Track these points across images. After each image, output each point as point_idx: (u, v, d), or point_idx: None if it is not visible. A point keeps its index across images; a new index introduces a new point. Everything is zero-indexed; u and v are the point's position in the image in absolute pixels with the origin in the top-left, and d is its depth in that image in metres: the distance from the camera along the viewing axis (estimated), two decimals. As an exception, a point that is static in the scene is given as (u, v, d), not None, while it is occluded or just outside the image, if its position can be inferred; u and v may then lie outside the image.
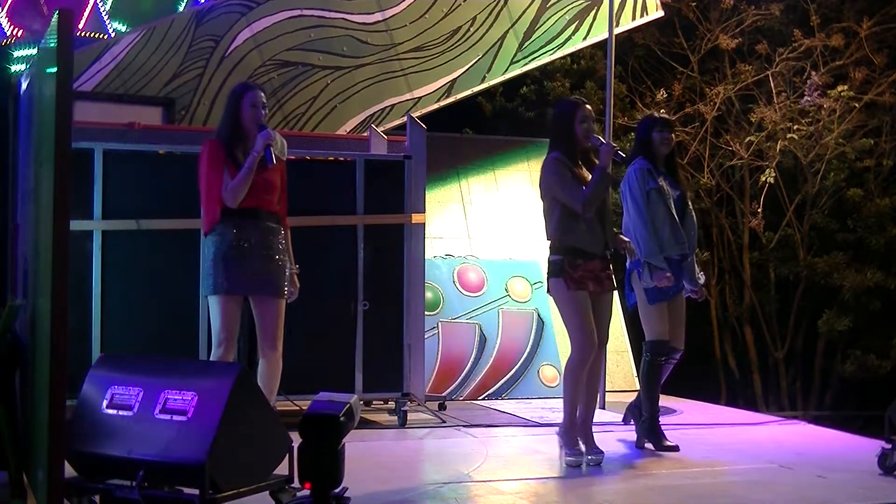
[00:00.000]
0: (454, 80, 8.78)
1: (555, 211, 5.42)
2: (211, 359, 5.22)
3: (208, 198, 5.16)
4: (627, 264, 5.93)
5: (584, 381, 5.46)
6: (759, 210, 10.54)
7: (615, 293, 5.63)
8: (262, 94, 5.24)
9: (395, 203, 6.68)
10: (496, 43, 8.93)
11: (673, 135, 6.11)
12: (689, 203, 6.16)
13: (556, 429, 5.58)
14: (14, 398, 4.62)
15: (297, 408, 5.81)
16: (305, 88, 8.28)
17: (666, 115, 6.54)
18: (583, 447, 5.48)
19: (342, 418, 4.03)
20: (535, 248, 8.94)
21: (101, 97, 7.70)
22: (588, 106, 5.47)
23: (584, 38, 9.26)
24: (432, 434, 6.47)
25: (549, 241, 5.49)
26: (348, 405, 4.07)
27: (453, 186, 9.09)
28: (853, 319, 10.38)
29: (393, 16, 8.61)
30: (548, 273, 5.46)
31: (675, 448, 5.85)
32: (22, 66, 8.18)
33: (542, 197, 5.50)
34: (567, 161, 5.40)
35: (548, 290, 5.51)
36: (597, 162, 5.42)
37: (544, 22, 9.08)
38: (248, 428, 3.98)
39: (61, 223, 3.80)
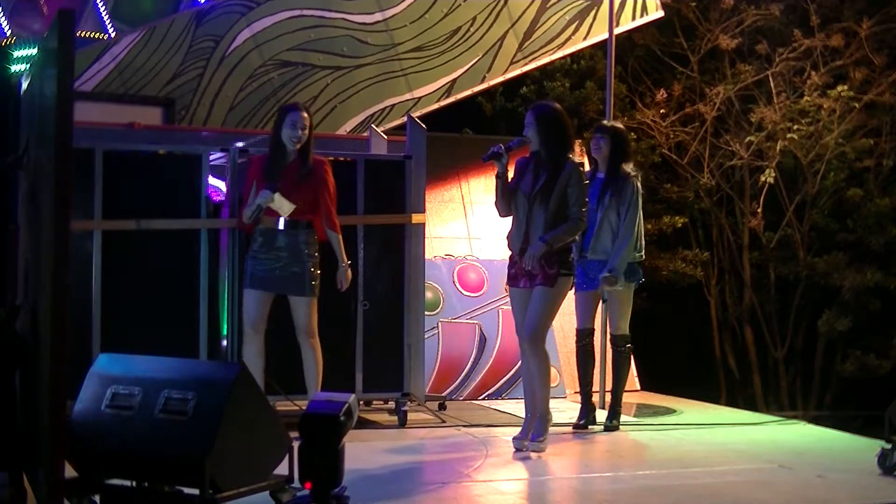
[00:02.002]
0: (454, 80, 8.78)
1: None
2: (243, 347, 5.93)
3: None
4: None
5: (529, 369, 5.80)
6: (759, 210, 10.54)
7: (544, 288, 5.68)
8: (304, 115, 5.84)
9: (395, 203, 6.67)
10: (496, 43, 8.93)
11: (604, 140, 6.46)
12: (612, 208, 6.41)
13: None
14: (14, 398, 4.62)
15: (297, 408, 5.81)
16: (305, 88, 8.28)
17: (607, 122, 6.82)
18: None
19: (342, 417, 4.04)
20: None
21: (101, 97, 7.70)
22: (530, 111, 5.80)
23: (584, 38, 9.26)
24: (432, 434, 6.47)
25: None
26: (347, 404, 4.08)
27: (453, 186, 9.09)
28: (853, 319, 10.38)
29: (393, 16, 8.61)
30: None
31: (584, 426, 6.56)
32: (22, 66, 8.18)
33: None
34: (518, 166, 5.84)
35: None
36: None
37: (544, 22, 9.08)
38: (248, 428, 3.98)
39: (61, 223, 3.80)
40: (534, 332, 5.68)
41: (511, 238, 5.83)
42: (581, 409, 6.61)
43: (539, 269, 5.63)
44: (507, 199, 5.77)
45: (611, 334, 6.69)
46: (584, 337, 6.67)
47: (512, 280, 5.84)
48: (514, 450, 5.86)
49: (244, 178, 6.09)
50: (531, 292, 5.70)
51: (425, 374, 6.87)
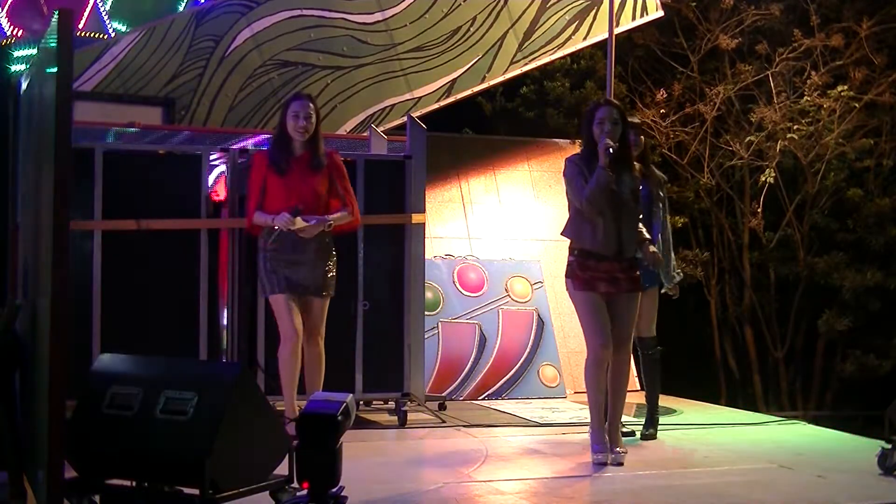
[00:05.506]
0: (454, 80, 8.78)
1: (570, 212, 5.59)
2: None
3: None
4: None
5: (603, 379, 5.48)
6: (759, 210, 10.53)
7: (636, 294, 5.54)
8: (310, 105, 5.72)
9: (395, 203, 6.68)
10: (496, 43, 8.93)
11: (636, 137, 6.11)
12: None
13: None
14: (14, 398, 4.62)
15: (297, 408, 5.81)
16: (305, 88, 8.25)
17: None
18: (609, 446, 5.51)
19: (339, 417, 4.03)
20: (535, 249, 8.94)
21: (101, 97, 7.70)
22: (610, 107, 5.50)
23: (584, 38, 9.26)
24: (432, 434, 6.47)
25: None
26: (345, 404, 4.07)
27: (453, 186, 9.09)
28: (853, 319, 10.38)
29: (393, 16, 8.61)
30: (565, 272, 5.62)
31: None
32: (22, 66, 8.19)
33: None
34: (581, 162, 5.50)
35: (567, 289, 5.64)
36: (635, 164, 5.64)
37: (544, 22, 9.08)
38: (248, 428, 3.98)
39: (61, 223, 3.80)
40: (631, 338, 5.60)
41: (595, 240, 5.43)
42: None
43: (625, 276, 5.49)
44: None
45: (640, 337, 6.22)
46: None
47: (586, 284, 5.44)
48: (518, 451, 5.87)
49: (248, 175, 5.91)
50: (616, 297, 5.46)
51: (425, 374, 6.87)
